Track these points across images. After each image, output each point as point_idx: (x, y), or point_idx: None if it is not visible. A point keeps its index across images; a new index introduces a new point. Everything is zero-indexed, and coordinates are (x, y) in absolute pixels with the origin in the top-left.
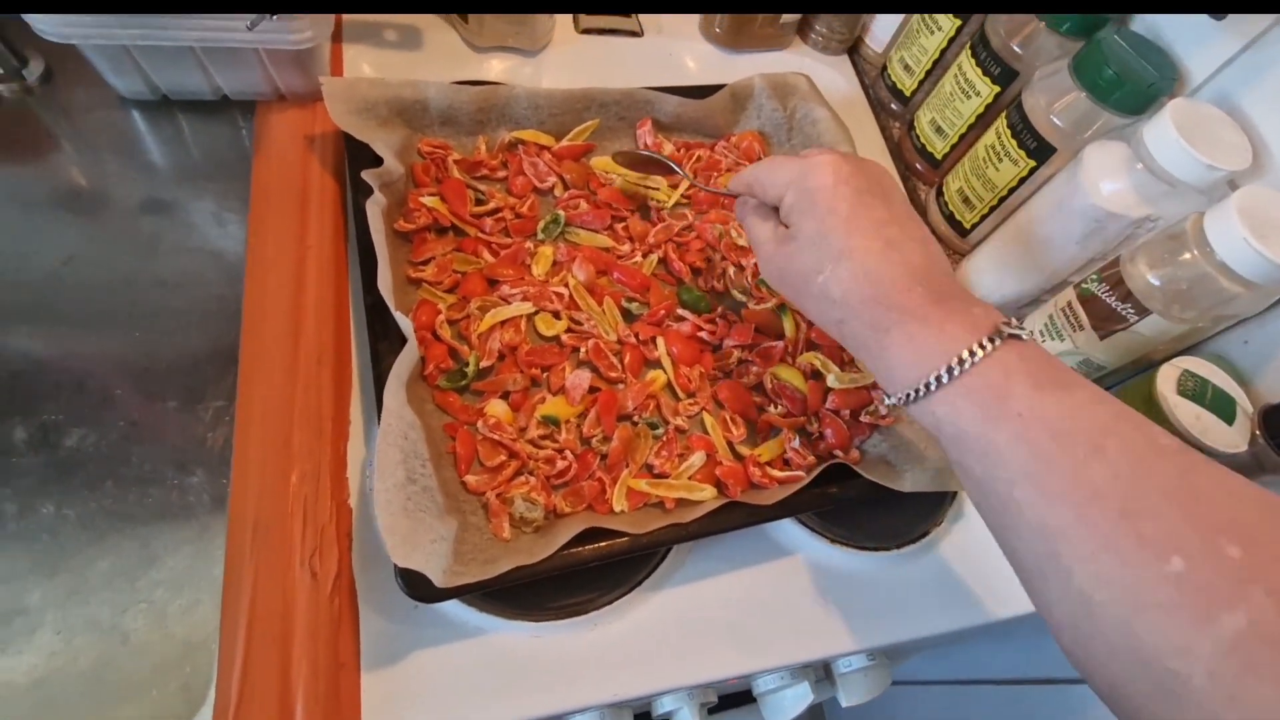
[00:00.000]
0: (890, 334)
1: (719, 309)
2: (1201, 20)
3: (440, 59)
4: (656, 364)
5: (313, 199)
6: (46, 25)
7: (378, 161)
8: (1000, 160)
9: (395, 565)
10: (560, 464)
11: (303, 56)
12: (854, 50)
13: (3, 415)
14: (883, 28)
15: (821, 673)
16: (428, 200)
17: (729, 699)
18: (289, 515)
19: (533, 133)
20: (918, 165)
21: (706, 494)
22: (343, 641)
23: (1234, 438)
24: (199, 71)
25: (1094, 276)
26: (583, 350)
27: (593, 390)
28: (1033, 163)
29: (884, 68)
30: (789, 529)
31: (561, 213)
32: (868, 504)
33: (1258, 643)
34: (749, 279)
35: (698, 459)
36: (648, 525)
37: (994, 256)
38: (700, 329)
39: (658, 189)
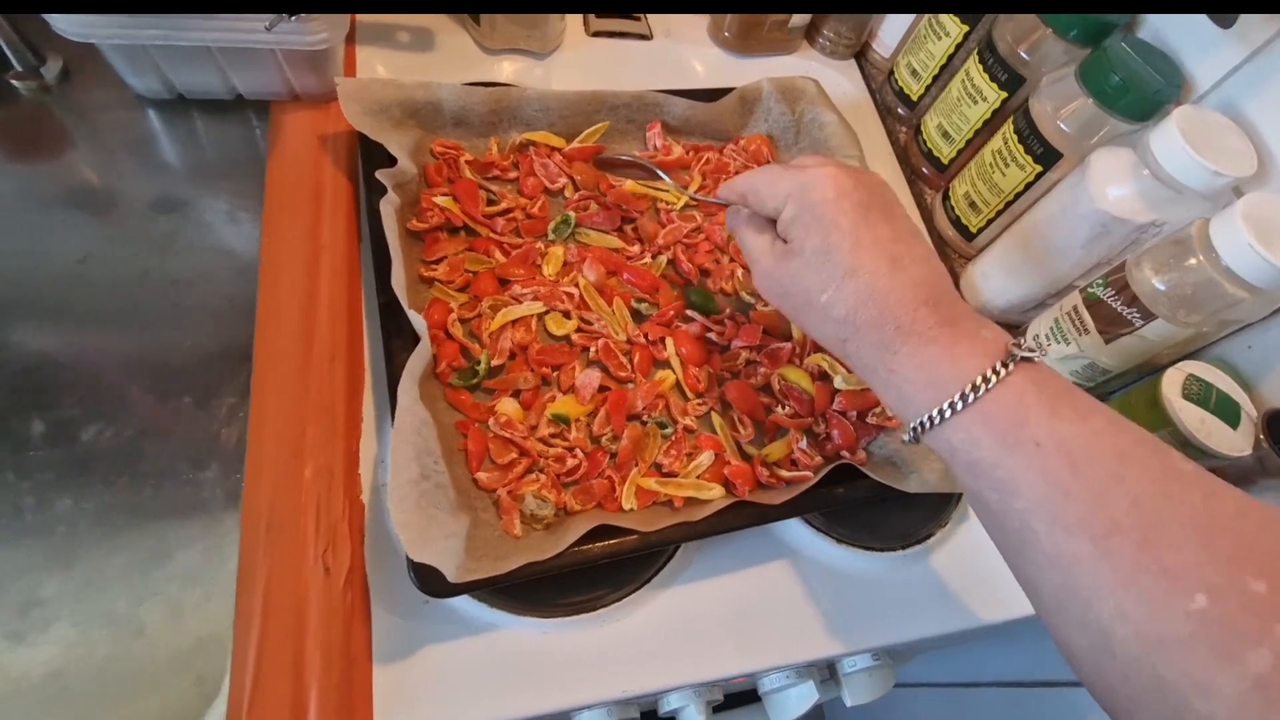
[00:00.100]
0: (898, 356)
1: (727, 310)
2: (1207, 28)
3: (452, 61)
4: (665, 364)
5: (326, 198)
6: (68, 25)
7: (390, 161)
8: (1007, 165)
9: (408, 560)
10: (570, 462)
11: (318, 57)
12: (861, 55)
13: (21, 410)
14: (890, 33)
15: (826, 672)
16: (441, 200)
17: (734, 698)
18: (302, 511)
19: (544, 134)
20: (924, 169)
21: (715, 493)
22: (355, 636)
23: (1238, 442)
24: (215, 71)
25: (1100, 281)
26: (593, 350)
27: (602, 389)
28: (1039, 168)
29: (891, 72)
30: (795, 529)
31: (572, 214)
32: (874, 505)
33: None
34: None
35: (706, 458)
36: (657, 523)
37: (1000, 260)
38: (709, 330)
39: (667, 191)
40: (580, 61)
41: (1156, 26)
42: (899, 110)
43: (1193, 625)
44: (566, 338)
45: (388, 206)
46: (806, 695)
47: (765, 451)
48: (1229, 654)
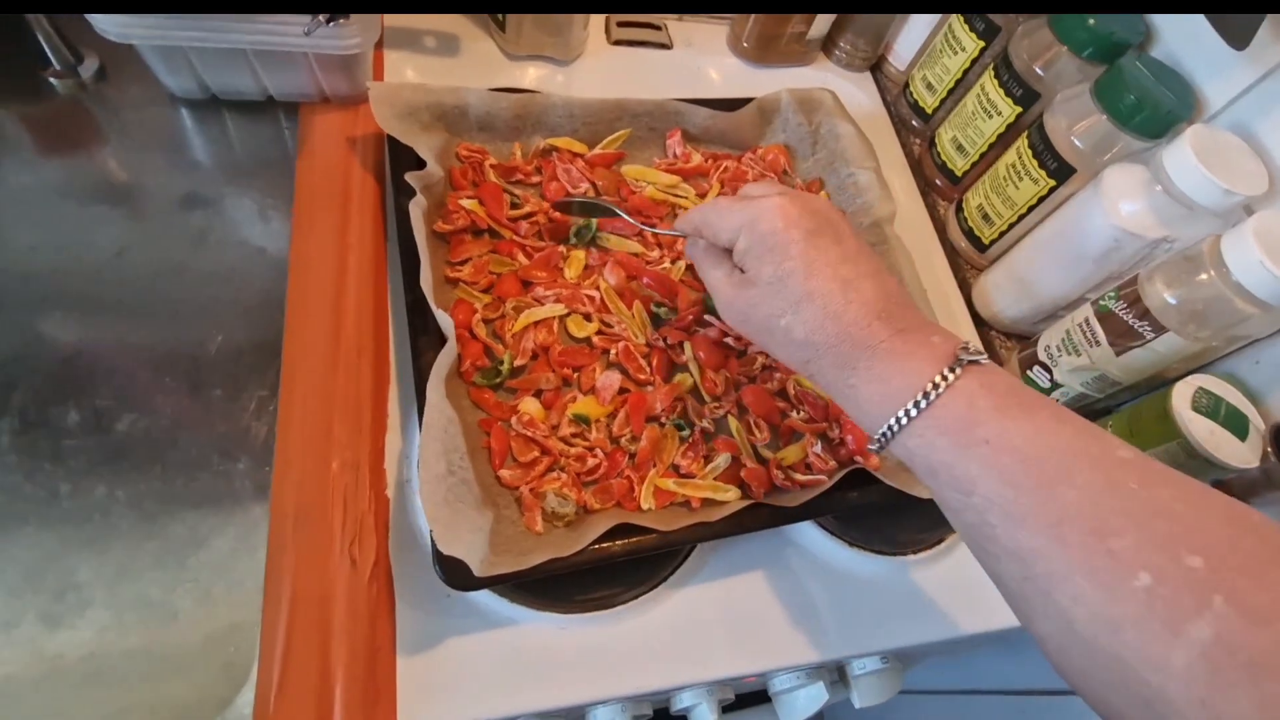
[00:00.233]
0: (856, 372)
1: None
2: (1221, 49)
3: (476, 66)
4: (684, 368)
5: (354, 198)
6: (109, 25)
7: (417, 164)
8: (1021, 179)
9: (434, 553)
10: (591, 461)
11: (350, 61)
12: (876, 68)
13: (58, 399)
14: (905, 46)
15: (836, 674)
16: (466, 203)
17: (745, 698)
18: (329, 503)
19: (566, 140)
20: (938, 181)
21: (731, 494)
22: (380, 627)
23: (1246, 454)
24: (249, 73)
25: (1112, 294)
26: (613, 352)
27: (622, 391)
28: (1053, 182)
29: (906, 85)
30: (808, 532)
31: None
32: (886, 509)
33: (1223, 652)
34: None
35: (723, 460)
36: (674, 523)
37: (1012, 272)
38: (726, 335)
39: (685, 197)
40: (601, 69)
41: (1170, 47)
42: (913, 123)
43: (1140, 603)
44: (587, 340)
45: (416, 208)
46: (816, 696)
47: (780, 455)
48: (1174, 628)
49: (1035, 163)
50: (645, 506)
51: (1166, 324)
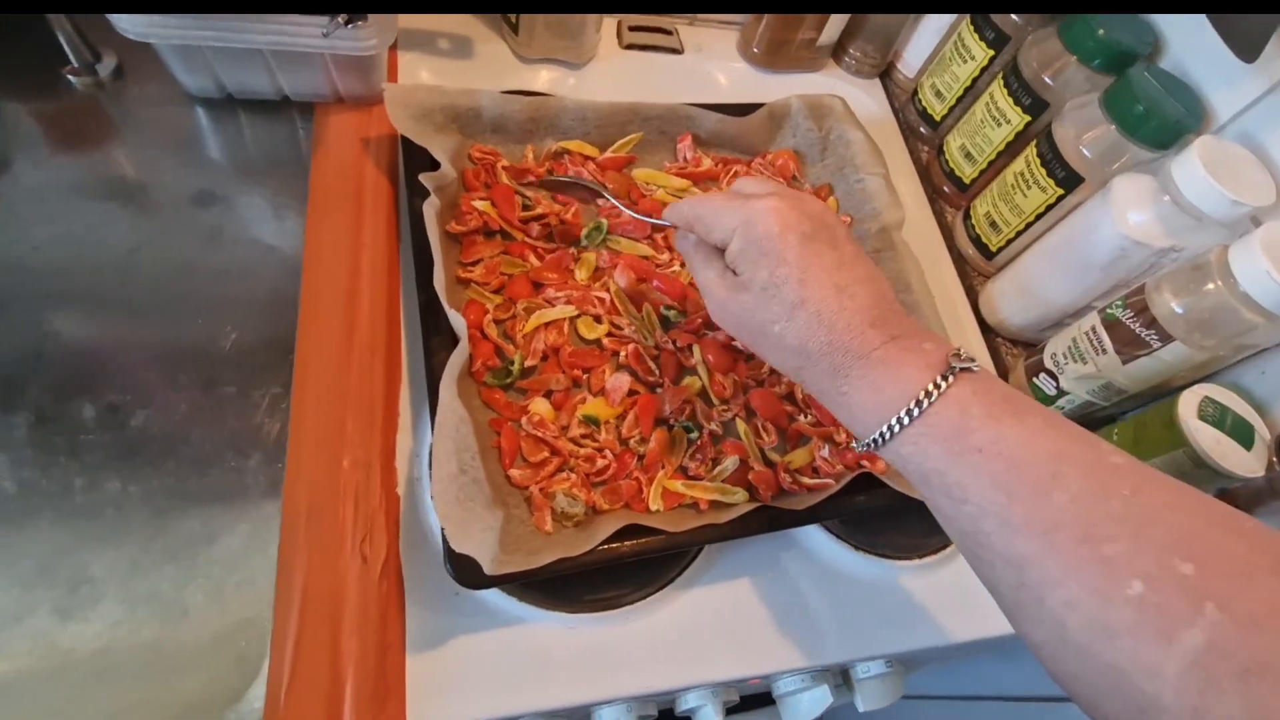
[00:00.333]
0: (849, 379)
1: None
2: (1229, 60)
3: (489, 68)
4: (693, 370)
5: (367, 198)
6: (130, 24)
7: (430, 165)
8: (1029, 187)
9: (446, 551)
10: (600, 462)
11: (365, 62)
12: (885, 75)
13: (73, 394)
14: (914, 54)
15: (839, 678)
16: (479, 204)
17: (749, 700)
18: (341, 500)
19: (578, 143)
20: (945, 188)
21: (739, 497)
22: (390, 624)
23: (1252, 463)
24: (265, 73)
25: (1119, 302)
26: (622, 354)
27: (632, 393)
28: (1061, 191)
29: (914, 92)
30: (815, 535)
31: (604, 221)
32: (892, 513)
33: (1215, 659)
34: None
35: (731, 463)
36: (682, 525)
37: (1019, 280)
38: (734, 339)
39: None
40: (613, 73)
41: (1179, 58)
42: (921, 130)
43: (1133, 610)
44: (597, 341)
45: (429, 209)
46: (820, 699)
47: (788, 458)
48: (1167, 635)
49: (1043, 171)
50: (653, 508)
51: (1173, 333)
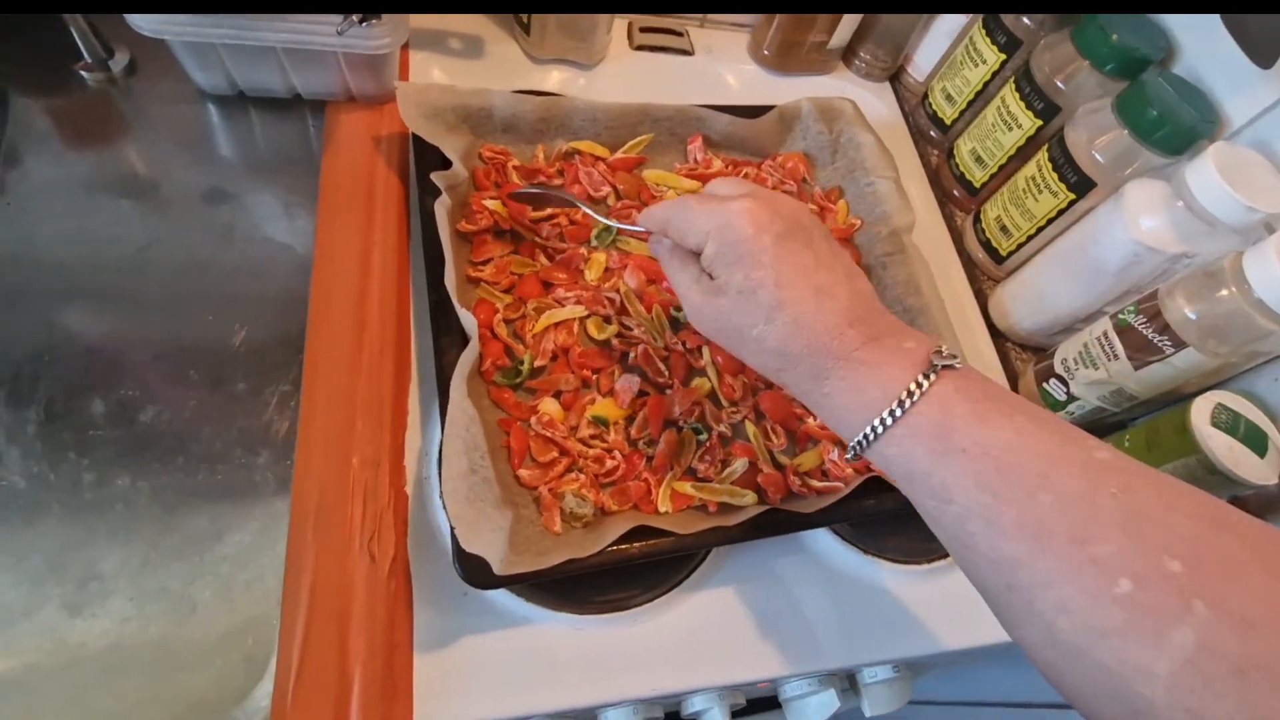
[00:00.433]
0: (830, 380)
1: None
2: (1244, 66)
3: (500, 68)
4: (702, 372)
5: (378, 197)
6: (144, 21)
7: (441, 164)
8: (1040, 192)
9: (455, 551)
10: (609, 463)
11: (378, 61)
12: (896, 78)
13: (84, 390)
14: (925, 57)
15: (846, 682)
16: (490, 203)
17: (755, 703)
18: (349, 499)
19: (589, 144)
20: (955, 192)
21: (748, 499)
22: (397, 623)
23: (1265, 471)
24: (278, 71)
25: (1131, 308)
26: (632, 355)
27: (641, 394)
28: (1072, 195)
29: (925, 96)
30: (823, 539)
31: (614, 221)
32: (901, 517)
33: (1206, 658)
34: None
35: (740, 465)
36: (691, 527)
37: (1029, 284)
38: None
39: None
40: (623, 74)
41: (1193, 63)
42: (931, 133)
43: (1122, 610)
44: (607, 342)
45: (441, 207)
46: (827, 704)
47: (797, 461)
48: (1158, 635)
49: (1055, 176)
50: (662, 509)
51: (1186, 339)
